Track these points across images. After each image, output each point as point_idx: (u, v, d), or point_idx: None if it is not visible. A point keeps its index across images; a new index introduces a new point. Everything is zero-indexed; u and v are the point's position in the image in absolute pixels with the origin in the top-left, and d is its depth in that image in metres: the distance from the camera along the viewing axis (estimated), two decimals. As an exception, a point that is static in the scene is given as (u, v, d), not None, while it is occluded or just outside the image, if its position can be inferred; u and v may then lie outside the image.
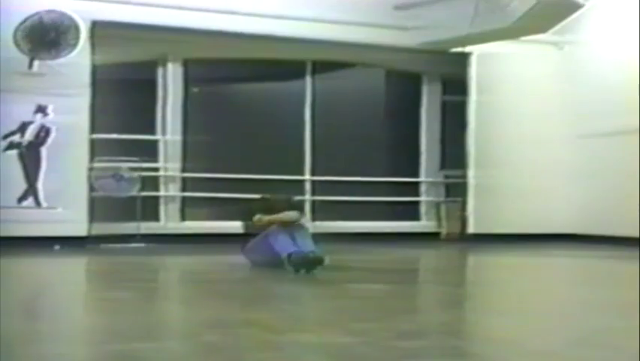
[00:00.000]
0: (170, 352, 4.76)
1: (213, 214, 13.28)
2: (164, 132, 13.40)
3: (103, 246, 11.98)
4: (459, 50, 14.36)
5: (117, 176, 12.61)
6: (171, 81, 13.47)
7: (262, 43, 13.29)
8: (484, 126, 14.52)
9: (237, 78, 14.56)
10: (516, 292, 8.01)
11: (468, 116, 14.56)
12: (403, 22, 13.98)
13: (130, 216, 12.65)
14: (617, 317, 6.15)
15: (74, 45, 12.28)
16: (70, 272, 9.85)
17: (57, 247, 11.59)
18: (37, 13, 12.11)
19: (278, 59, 14.03)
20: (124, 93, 12.99)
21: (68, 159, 12.20)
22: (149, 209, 13.02)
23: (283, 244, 8.80)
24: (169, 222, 13.28)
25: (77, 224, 12.12)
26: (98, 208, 12.44)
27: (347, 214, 13.99)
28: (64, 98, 12.12)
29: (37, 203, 12.02)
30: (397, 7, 14.00)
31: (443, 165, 15.10)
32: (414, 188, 14.98)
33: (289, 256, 8.64)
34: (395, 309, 6.47)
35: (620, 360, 4.62)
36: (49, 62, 12.14)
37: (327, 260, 8.73)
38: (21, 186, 11.99)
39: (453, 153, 14.86)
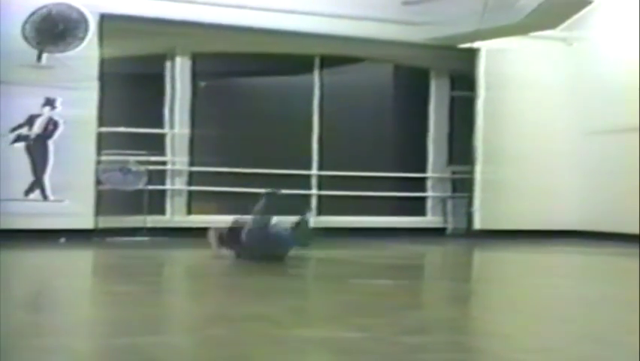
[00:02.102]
0: (175, 346, 4.77)
1: (220, 208, 13.28)
2: (171, 126, 13.40)
3: (109, 239, 11.99)
4: (468, 45, 14.32)
5: (124, 169, 12.61)
6: (179, 75, 13.46)
7: (270, 37, 13.27)
8: (491, 122, 14.49)
9: (245, 72, 14.55)
10: (521, 289, 8.00)
11: (476, 111, 14.53)
12: (411, 18, 13.95)
13: (136, 210, 12.66)
14: (619, 314, 6.14)
15: (83, 38, 12.29)
16: (75, 265, 9.87)
17: (62, 239, 11.61)
18: (45, 6, 12.11)
19: (286, 53, 14.01)
20: (132, 87, 12.99)
21: (76, 152, 12.20)
22: (156, 202, 13.02)
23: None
24: (175, 215, 13.29)
25: (84, 217, 12.14)
26: (104, 201, 12.45)
27: (353, 209, 13.98)
28: (72, 91, 12.12)
29: (44, 196, 12.03)
30: (406, 2, 13.96)
31: (450, 161, 15.07)
32: (421, 183, 14.95)
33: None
34: (400, 304, 6.47)
35: (621, 357, 4.62)
36: (58, 55, 12.15)
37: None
38: (28, 178, 12.00)
39: (460, 148, 14.82)
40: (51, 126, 12.13)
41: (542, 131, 14.60)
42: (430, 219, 14.86)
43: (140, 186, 12.74)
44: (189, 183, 13.45)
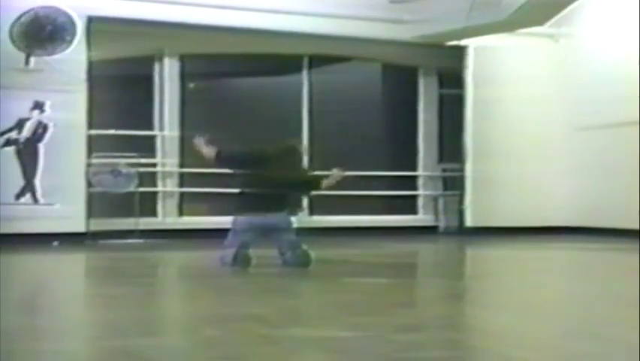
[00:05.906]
0: (170, 347, 4.77)
1: (211, 209, 13.26)
2: (161, 128, 13.38)
3: (101, 242, 11.98)
4: (455, 43, 14.34)
5: (115, 172, 12.59)
6: (168, 76, 13.43)
7: (259, 37, 13.27)
8: (481, 119, 14.51)
9: (234, 73, 14.54)
10: (514, 286, 8.02)
11: (465, 109, 14.55)
12: (399, 16, 13.97)
13: (128, 212, 12.63)
14: (616, 310, 6.16)
15: (70, 41, 12.25)
16: (68, 268, 9.86)
17: (56, 243, 11.59)
18: (32, 9, 12.08)
19: (275, 53, 13.99)
20: (121, 89, 12.98)
21: (66, 155, 12.17)
22: (147, 205, 13.00)
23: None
24: (167, 217, 13.27)
25: (75, 220, 12.11)
26: (95, 204, 12.43)
27: (345, 208, 13.97)
28: (61, 94, 12.09)
29: (35, 199, 12.01)
30: (393, 1, 13.98)
31: (441, 159, 15.07)
32: (412, 182, 14.96)
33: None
34: (393, 303, 6.48)
35: (616, 352, 4.63)
36: (46, 58, 12.12)
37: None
38: (18, 182, 11.97)
39: (450, 146, 14.84)
40: (40, 130, 12.11)
41: (532, 127, 14.62)
42: (421, 218, 14.87)
43: (131, 188, 12.72)
44: (180, 185, 13.43)
